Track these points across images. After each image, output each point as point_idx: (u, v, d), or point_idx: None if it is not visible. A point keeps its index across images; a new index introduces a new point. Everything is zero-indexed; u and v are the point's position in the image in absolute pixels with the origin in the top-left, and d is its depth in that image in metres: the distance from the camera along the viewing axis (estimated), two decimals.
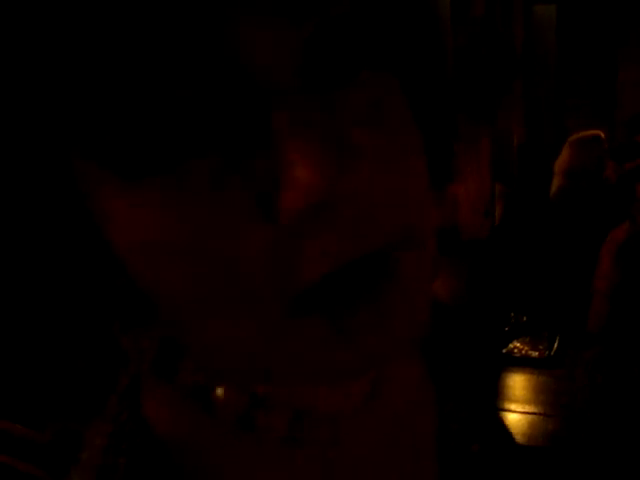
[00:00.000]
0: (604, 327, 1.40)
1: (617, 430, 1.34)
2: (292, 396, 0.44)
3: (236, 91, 0.32)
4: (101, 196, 0.35)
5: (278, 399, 0.43)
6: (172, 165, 0.32)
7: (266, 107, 0.31)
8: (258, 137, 0.32)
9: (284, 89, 0.32)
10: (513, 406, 2.51)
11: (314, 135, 0.31)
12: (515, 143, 4.56)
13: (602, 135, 3.64)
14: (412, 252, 0.36)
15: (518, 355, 2.81)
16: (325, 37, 0.34)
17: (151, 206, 0.33)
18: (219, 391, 0.43)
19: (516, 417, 2.47)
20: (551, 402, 2.46)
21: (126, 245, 0.36)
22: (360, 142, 0.34)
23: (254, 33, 0.31)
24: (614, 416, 1.37)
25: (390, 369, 0.49)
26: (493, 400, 2.54)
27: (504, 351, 2.83)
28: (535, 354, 2.79)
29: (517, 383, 2.68)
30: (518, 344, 2.86)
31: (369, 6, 0.36)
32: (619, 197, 2.85)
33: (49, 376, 0.43)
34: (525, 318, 3.01)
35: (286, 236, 0.33)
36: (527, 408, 2.49)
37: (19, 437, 2.27)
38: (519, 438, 2.11)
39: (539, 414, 2.43)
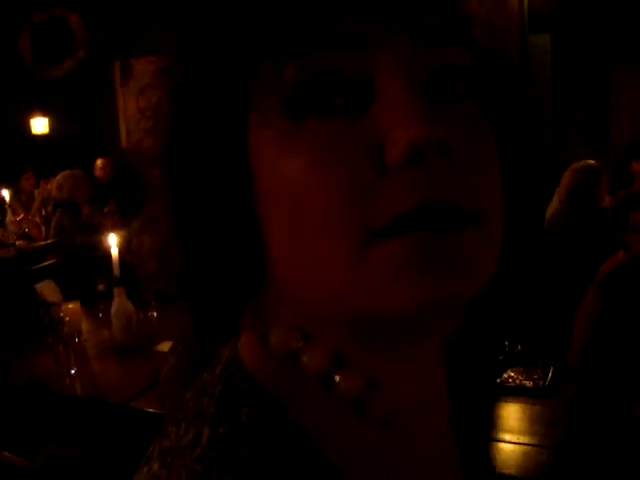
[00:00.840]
0: (583, 363, 1.38)
1: (601, 463, 1.31)
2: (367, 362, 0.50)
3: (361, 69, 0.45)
4: (266, 139, 0.46)
5: (357, 362, 0.50)
6: (321, 115, 0.45)
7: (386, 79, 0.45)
8: (377, 105, 0.45)
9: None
10: (507, 436, 2.48)
11: (416, 108, 0.43)
12: None
13: (598, 165, 3.67)
14: (478, 223, 0.45)
15: (512, 385, 2.78)
16: (441, 74, 0.46)
17: (300, 147, 0.44)
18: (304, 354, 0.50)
19: (509, 448, 2.44)
20: (544, 433, 2.43)
21: (271, 189, 0.46)
22: (451, 132, 0.44)
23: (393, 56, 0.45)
24: (595, 450, 1.35)
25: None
26: (486, 430, 2.51)
27: (498, 380, 2.80)
28: (529, 384, 2.77)
29: (511, 413, 2.66)
30: (512, 373, 2.84)
31: (479, 69, 0.49)
32: (613, 225, 2.84)
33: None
34: (519, 347, 2.98)
35: (386, 175, 0.43)
36: (521, 439, 2.46)
37: (8, 465, 2.23)
38: (512, 469, 2.09)
39: (533, 445, 2.41)
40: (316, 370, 0.49)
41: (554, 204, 3.75)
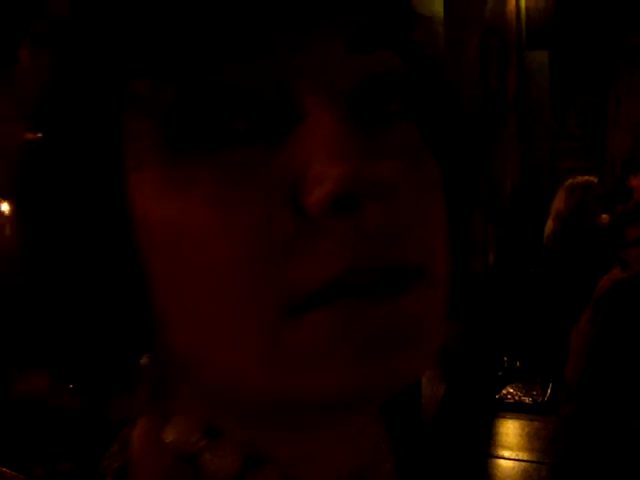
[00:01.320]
0: (581, 381, 1.38)
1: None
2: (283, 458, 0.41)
3: (281, 93, 0.35)
4: (145, 176, 0.35)
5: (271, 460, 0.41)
6: (216, 145, 0.34)
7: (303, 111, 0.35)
8: (294, 130, 0.34)
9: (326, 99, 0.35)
10: (506, 453, 2.48)
11: (347, 137, 0.34)
12: (508, 185, 4.59)
13: (595, 181, 3.67)
14: (426, 280, 0.35)
15: (511, 401, 2.78)
16: (371, 87, 0.37)
17: (191, 184, 0.34)
18: (207, 455, 0.40)
19: (509, 464, 2.43)
20: (544, 449, 2.43)
21: (155, 241, 0.36)
22: (388, 168, 0.34)
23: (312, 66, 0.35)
24: (594, 467, 1.34)
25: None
26: (485, 447, 2.51)
27: (497, 396, 2.80)
28: (528, 400, 2.77)
29: (510, 429, 2.65)
30: (511, 390, 2.84)
31: (412, 75, 0.40)
32: (610, 241, 2.84)
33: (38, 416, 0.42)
34: (519, 363, 2.98)
35: (308, 227, 0.33)
36: (520, 455, 2.46)
37: None
38: None
39: (532, 461, 2.40)
40: (224, 476, 0.40)
41: (550, 221, 3.76)
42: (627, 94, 5.64)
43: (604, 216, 3.55)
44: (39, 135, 0.38)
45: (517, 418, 2.68)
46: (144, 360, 0.41)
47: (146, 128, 0.35)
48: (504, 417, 2.69)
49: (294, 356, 0.34)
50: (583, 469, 1.50)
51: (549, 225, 3.66)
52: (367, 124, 0.36)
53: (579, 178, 3.68)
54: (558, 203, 3.65)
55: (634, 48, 5.61)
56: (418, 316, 0.34)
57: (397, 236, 0.34)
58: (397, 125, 0.38)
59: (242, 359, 0.35)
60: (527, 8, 5.48)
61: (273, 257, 0.33)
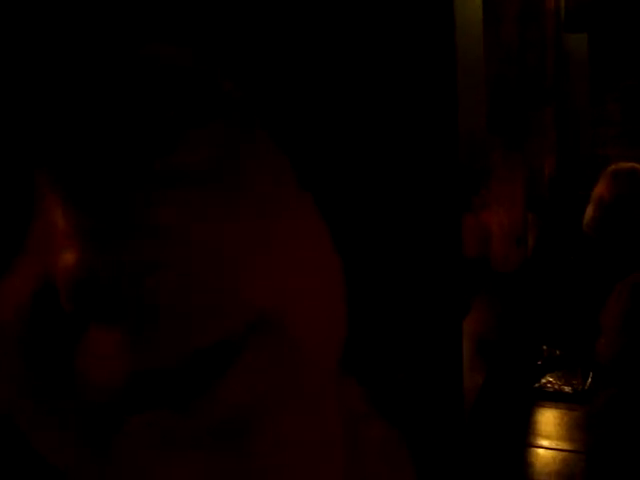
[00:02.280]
0: (617, 366, 1.35)
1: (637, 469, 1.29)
2: None
3: None
4: None
5: None
6: None
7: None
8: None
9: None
10: (545, 442, 2.46)
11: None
12: (547, 172, 4.52)
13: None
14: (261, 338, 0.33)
15: (551, 390, 2.75)
16: None
17: None
18: None
19: (548, 453, 2.41)
20: (583, 439, 2.40)
21: None
22: (165, 222, 0.31)
23: None
24: (631, 456, 1.32)
25: None
26: (524, 436, 2.49)
27: (537, 385, 2.77)
28: (568, 389, 2.73)
29: (549, 419, 2.63)
30: (551, 378, 2.80)
31: None
32: None
33: None
34: (558, 352, 2.95)
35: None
36: (559, 444, 2.43)
37: None
38: (549, 476, 2.05)
39: (571, 451, 2.38)
40: None
41: (591, 209, 3.69)
42: None
43: None
44: None
45: (557, 407, 2.66)
46: None
47: None
48: (543, 406, 2.67)
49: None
50: (620, 458, 1.47)
51: (589, 212, 3.59)
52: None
53: (623, 164, 3.61)
54: (600, 190, 3.58)
55: None
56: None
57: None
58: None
59: None
60: None
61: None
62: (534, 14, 4.40)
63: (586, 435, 2.31)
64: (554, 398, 2.69)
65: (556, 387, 2.75)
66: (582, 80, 5.58)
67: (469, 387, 2.24)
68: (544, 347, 2.98)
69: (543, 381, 2.79)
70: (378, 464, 0.49)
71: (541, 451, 2.43)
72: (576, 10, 5.46)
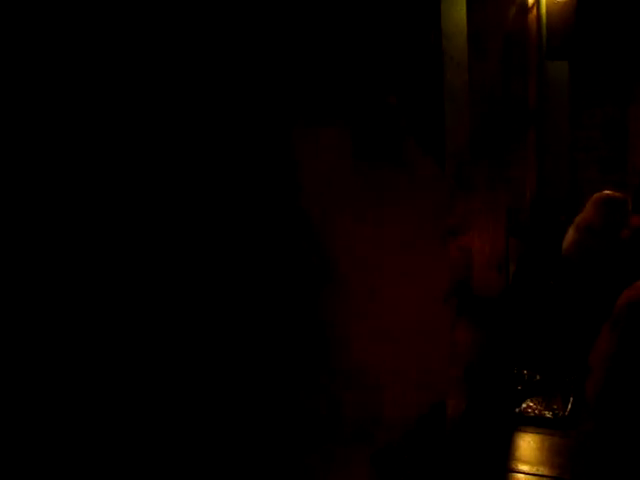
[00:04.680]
0: (598, 400, 1.35)
1: None
2: None
3: None
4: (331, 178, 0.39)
5: None
6: None
7: None
8: None
9: None
10: (525, 467, 2.45)
11: None
12: (528, 196, 4.56)
13: (623, 197, 3.65)
14: None
15: (531, 415, 2.74)
16: None
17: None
18: None
19: (528, 479, 2.41)
20: (564, 464, 2.40)
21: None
22: None
23: None
24: None
25: None
26: (504, 461, 2.48)
27: (517, 410, 2.77)
28: (549, 414, 2.73)
29: (530, 444, 2.62)
30: (532, 403, 2.80)
31: None
32: (632, 253, 2.82)
33: None
34: (539, 377, 2.95)
35: None
36: (539, 470, 2.43)
37: None
38: None
39: (551, 477, 2.37)
40: None
41: (571, 233, 3.73)
42: None
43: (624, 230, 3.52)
44: None
45: (537, 432, 2.65)
46: None
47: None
48: (524, 431, 2.66)
49: None
50: None
51: (573, 237, 3.63)
52: None
53: (606, 194, 3.65)
54: (589, 216, 3.61)
55: None
56: None
57: None
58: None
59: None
60: (548, 18, 5.46)
61: None
62: (517, 43, 4.47)
63: (571, 461, 2.32)
64: (535, 423, 2.69)
65: (537, 412, 2.75)
66: (563, 106, 5.65)
67: (452, 412, 2.24)
68: (525, 372, 2.98)
69: (524, 406, 2.79)
70: None
71: (521, 476, 2.42)
72: (557, 39, 5.54)
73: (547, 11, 5.46)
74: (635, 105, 5.59)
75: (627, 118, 5.66)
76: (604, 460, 1.49)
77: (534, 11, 5.20)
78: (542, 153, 5.41)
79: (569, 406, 2.71)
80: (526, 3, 4.60)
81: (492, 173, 2.93)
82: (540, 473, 2.40)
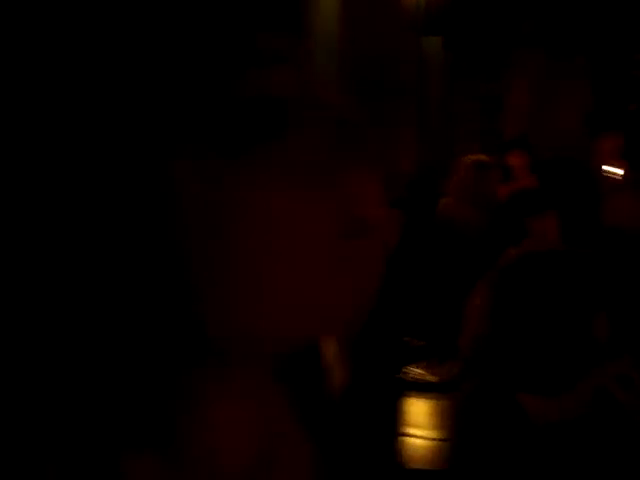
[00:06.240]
0: (478, 357, 1.38)
1: (500, 455, 1.32)
2: None
3: None
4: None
5: None
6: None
7: None
8: None
9: None
10: (414, 431, 2.50)
11: None
12: (407, 170, 4.65)
13: (490, 160, 3.78)
14: None
15: (417, 380, 2.81)
16: None
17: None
18: None
19: (417, 442, 2.46)
20: (451, 426, 2.46)
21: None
22: None
23: None
24: (493, 443, 1.35)
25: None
26: (393, 426, 2.53)
27: (402, 376, 2.83)
28: (434, 378, 2.80)
29: (417, 408, 2.68)
30: (417, 369, 2.86)
31: None
32: (503, 221, 2.91)
33: None
34: (423, 343, 3.02)
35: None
36: (428, 433, 2.48)
37: None
38: (420, 463, 2.09)
39: (439, 439, 2.43)
40: None
41: (444, 199, 3.85)
42: (518, 81, 5.82)
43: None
44: None
45: (423, 397, 2.71)
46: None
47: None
48: (411, 396, 2.72)
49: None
50: (485, 445, 1.51)
51: (444, 202, 3.74)
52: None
53: (472, 156, 3.77)
54: (451, 180, 3.74)
55: (525, 37, 5.78)
56: None
57: None
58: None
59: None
60: None
61: None
62: (391, 16, 4.52)
63: (452, 423, 2.37)
64: (421, 388, 2.75)
65: (421, 377, 2.82)
66: (439, 81, 5.79)
67: (335, 383, 2.25)
68: (409, 339, 3.04)
69: (408, 371, 2.85)
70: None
71: (412, 440, 2.47)
72: (432, 14, 5.67)
73: None
74: (509, 78, 5.81)
75: (502, 91, 5.87)
76: (478, 416, 1.53)
77: None
78: (421, 126, 5.54)
79: (453, 369, 2.79)
80: None
81: (367, 142, 2.95)
82: (428, 436, 2.46)
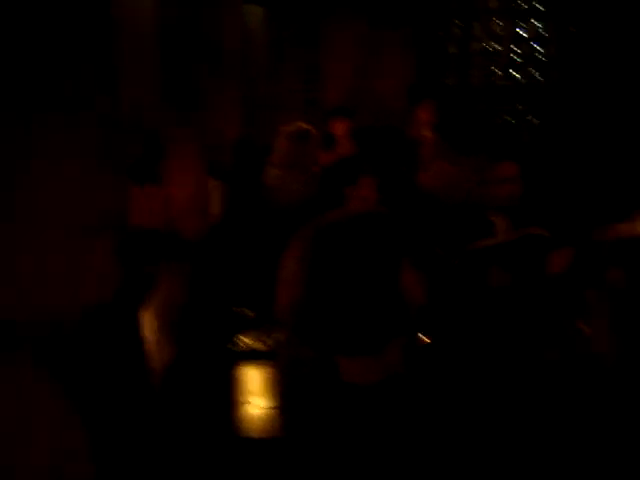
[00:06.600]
0: (296, 320, 1.40)
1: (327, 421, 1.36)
2: None
3: None
4: None
5: None
6: None
7: None
8: None
9: None
10: (248, 400, 2.52)
11: None
12: (231, 139, 4.62)
13: (311, 127, 3.84)
14: None
15: (245, 349, 2.82)
16: None
17: None
18: None
19: (252, 411, 2.48)
20: (282, 393, 2.50)
21: None
22: None
23: None
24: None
25: None
26: (227, 397, 2.53)
27: (233, 346, 2.83)
28: (262, 346, 2.83)
29: (247, 377, 2.69)
30: (246, 339, 2.88)
31: None
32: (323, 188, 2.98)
33: None
34: (251, 313, 3.03)
35: None
36: (259, 401, 2.51)
37: None
38: (255, 432, 2.11)
39: (271, 406, 2.46)
40: None
41: (267, 169, 3.88)
42: (335, 51, 5.94)
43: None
44: None
45: (253, 365, 2.73)
46: None
47: None
48: (241, 366, 2.73)
49: None
50: (306, 409, 1.54)
51: (271, 172, 3.77)
52: None
53: (291, 125, 3.81)
54: (278, 148, 3.76)
55: (346, 6, 5.89)
56: None
57: None
58: None
59: None
60: None
61: None
62: None
63: (278, 391, 2.41)
64: (250, 357, 2.77)
65: (250, 346, 2.84)
66: (261, 49, 5.78)
67: (162, 359, 2.21)
68: (238, 309, 3.04)
69: (239, 342, 2.86)
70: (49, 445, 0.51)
71: (246, 409, 2.49)
72: None
73: None
74: (326, 47, 5.91)
75: (324, 60, 5.97)
76: (299, 382, 1.55)
77: None
78: (244, 95, 5.53)
79: (281, 336, 2.82)
80: None
81: (184, 115, 2.90)
82: (261, 405, 2.49)
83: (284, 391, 1.51)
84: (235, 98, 5.11)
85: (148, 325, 2.29)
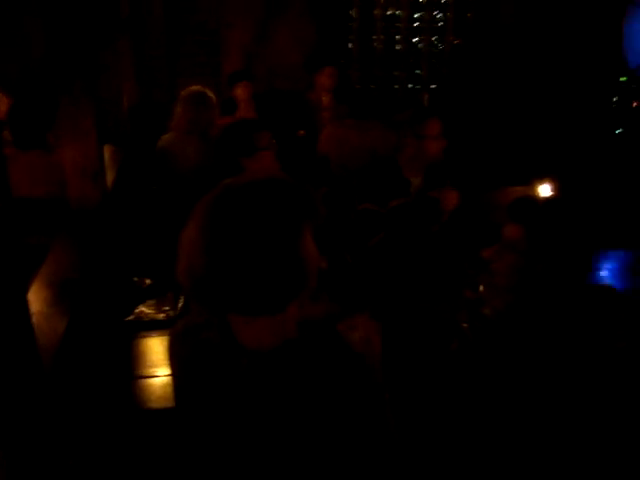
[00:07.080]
0: (194, 287, 1.37)
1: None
2: None
3: None
4: None
5: None
6: None
7: None
8: None
9: None
10: (148, 371, 2.48)
11: None
12: (126, 104, 4.49)
13: (208, 92, 3.77)
14: None
15: (146, 320, 2.77)
16: None
17: None
18: None
19: (153, 382, 2.44)
20: (177, 361, 2.46)
21: None
22: None
23: None
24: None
25: None
26: (128, 368, 2.48)
27: (132, 318, 2.76)
28: (162, 316, 2.78)
29: (148, 348, 2.65)
30: (145, 309, 2.81)
31: None
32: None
33: None
34: (149, 281, 2.96)
35: None
36: (160, 372, 2.47)
37: None
38: (157, 403, 2.06)
39: (169, 375, 2.43)
40: None
41: (168, 132, 3.80)
42: (235, 16, 5.84)
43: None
44: None
45: (154, 336, 2.68)
46: None
47: None
48: (141, 337, 2.68)
49: None
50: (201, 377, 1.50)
51: (168, 136, 3.70)
52: None
53: (190, 89, 3.75)
54: (178, 113, 3.70)
55: None
56: None
57: None
58: None
59: None
60: None
61: None
62: None
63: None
64: (150, 327, 2.71)
65: (150, 316, 2.78)
66: (158, 13, 5.63)
67: (47, 337, 2.12)
68: (135, 279, 2.97)
69: (137, 312, 2.79)
70: None
71: (147, 380, 2.44)
72: None
73: None
74: (225, 12, 5.79)
75: (220, 25, 5.84)
76: (192, 348, 1.51)
77: None
78: (140, 60, 5.38)
79: (179, 305, 2.78)
80: None
81: (77, 80, 2.78)
82: (161, 374, 2.44)
83: (180, 358, 1.48)
84: (129, 63, 4.96)
85: (36, 299, 2.21)
